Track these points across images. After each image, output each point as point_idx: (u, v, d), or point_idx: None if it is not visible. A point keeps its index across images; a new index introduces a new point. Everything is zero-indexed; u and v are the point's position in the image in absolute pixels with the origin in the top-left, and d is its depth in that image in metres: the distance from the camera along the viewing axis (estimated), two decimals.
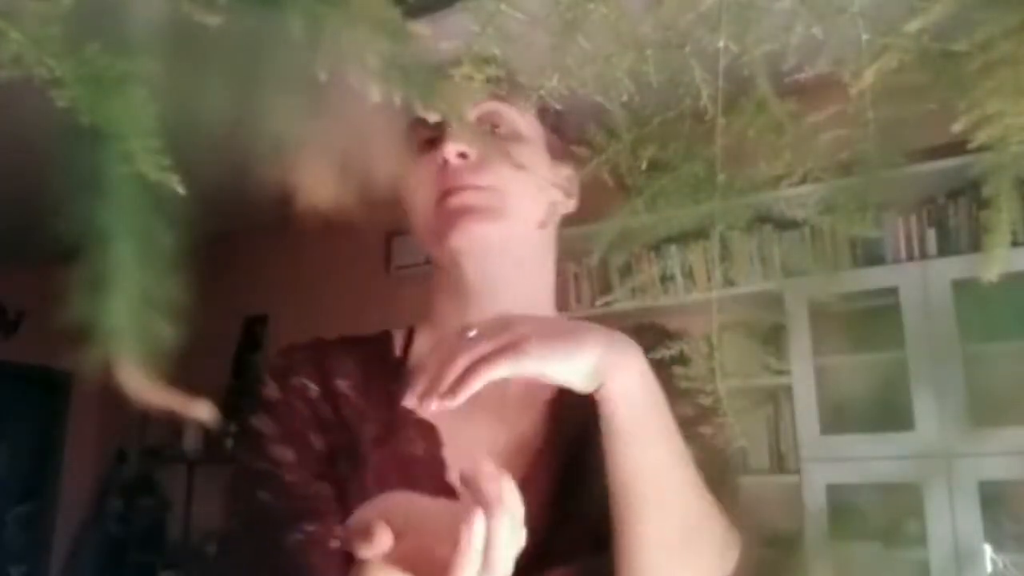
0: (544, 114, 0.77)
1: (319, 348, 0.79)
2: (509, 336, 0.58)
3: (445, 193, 0.72)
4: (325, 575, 0.66)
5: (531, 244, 0.77)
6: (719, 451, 0.71)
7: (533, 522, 0.66)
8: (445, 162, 0.72)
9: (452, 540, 0.44)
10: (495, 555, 0.44)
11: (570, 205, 0.80)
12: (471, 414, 0.61)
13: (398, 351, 0.80)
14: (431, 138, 0.74)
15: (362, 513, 0.49)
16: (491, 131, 0.74)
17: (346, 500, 0.69)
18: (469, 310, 0.75)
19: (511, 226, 0.73)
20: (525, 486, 0.66)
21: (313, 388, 0.75)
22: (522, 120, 0.76)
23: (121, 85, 0.26)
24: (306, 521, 0.68)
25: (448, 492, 0.69)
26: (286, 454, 0.71)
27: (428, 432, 0.73)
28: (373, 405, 0.75)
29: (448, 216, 0.72)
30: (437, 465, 0.71)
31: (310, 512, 0.68)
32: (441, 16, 0.79)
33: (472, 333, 0.59)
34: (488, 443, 0.72)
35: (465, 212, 0.71)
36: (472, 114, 0.73)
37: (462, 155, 0.72)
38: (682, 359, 0.74)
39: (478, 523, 0.44)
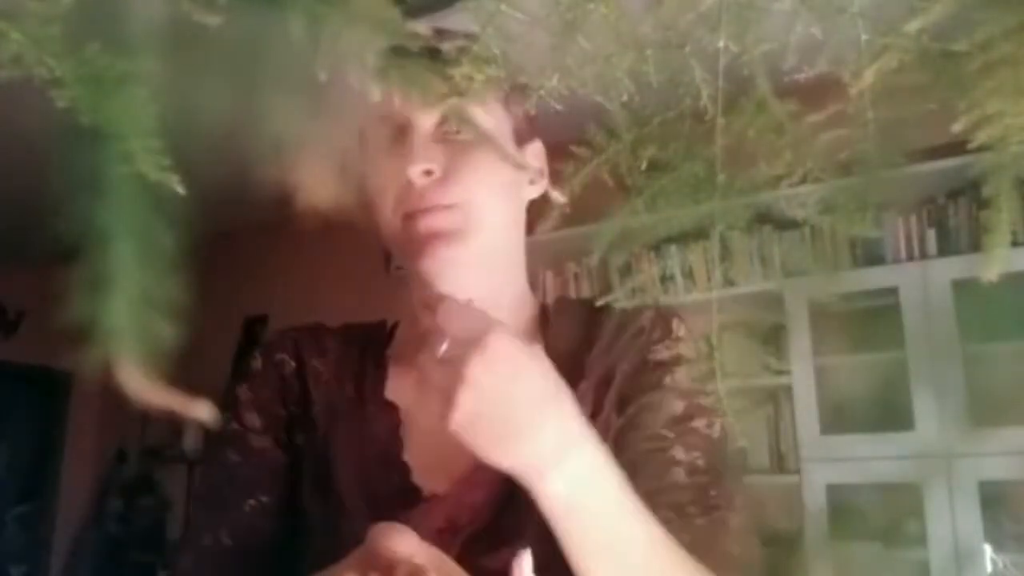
0: (508, 97, 0.74)
1: (309, 330, 0.85)
2: (447, 396, 0.56)
3: (412, 215, 0.70)
4: (272, 542, 0.75)
5: (502, 252, 0.76)
6: (715, 441, 0.71)
7: (487, 503, 0.68)
8: (411, 182, 0.69)
9: None
10: None
11: (540, 188, 0.78)
12: (431, 396, 0.62)
13: (384, 339, 0.84)
14: (394, 136, 0.72)
15: (404, 546, 0.49)
16: (455, 133, 0.70)
17: (300, 469, 0.77)
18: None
19: (481, 243, 0.71)
20: (481, 467, 0.67)
21: (290, 363, 0.81)
22: (486, 114, 0.73)
23: (121, 85, 0.26)
24: (261, 491, 0.76)
25: (401, 471, 0.72)
26: (255, 420, 0.79)
27: (391, 412, 0.76)
28: (343, 384, 0.79)
29: (417, 240, 0.70)
30: (395, 445, 0.74)
31: (267, 483, 0.76)
32: (441, 16, 0.78)
33: (443, 348, 0.58)
34: (450, 464, 0.72)
35: (433, 237, 0.70)
36: (433, 118, 0.70)
37: (427, 172, 0.69)
38: (681, 360, 0.74)
39: None
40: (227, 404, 0.80)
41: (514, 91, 0.69)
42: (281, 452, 0.78)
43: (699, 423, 0.70)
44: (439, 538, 0.67)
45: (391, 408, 0.76)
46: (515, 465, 0.56)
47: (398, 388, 0.78)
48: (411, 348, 0.79)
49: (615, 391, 0.72)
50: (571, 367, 0.70)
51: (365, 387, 0.79)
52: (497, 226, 0.74)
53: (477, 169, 0.71)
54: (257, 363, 0.82)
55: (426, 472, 0.72)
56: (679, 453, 0.69)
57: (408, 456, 0.73)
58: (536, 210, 0.80)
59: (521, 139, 0.77)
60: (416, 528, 0.66)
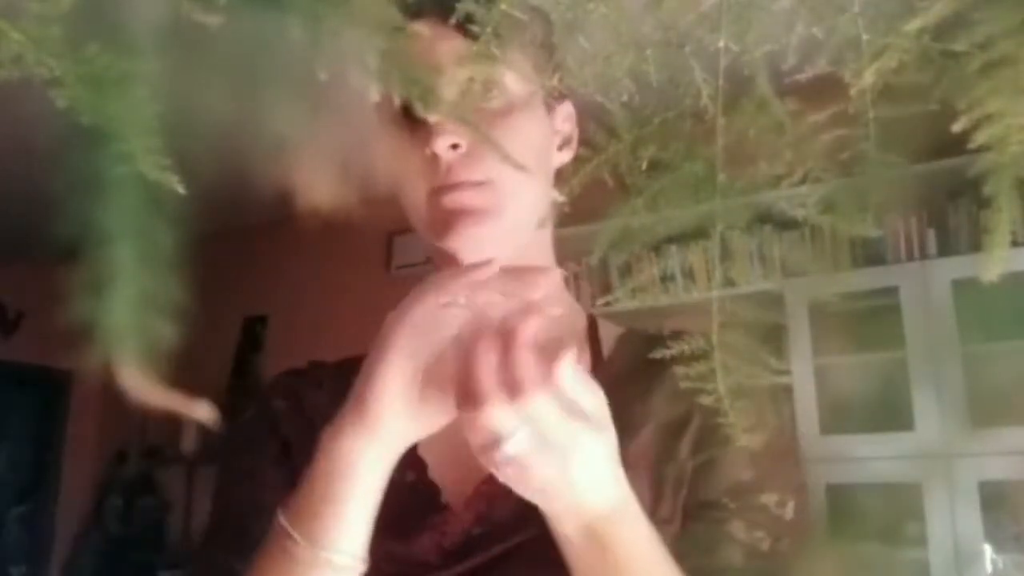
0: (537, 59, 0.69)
1: (302, 370, 0.82)
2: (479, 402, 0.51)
3: (438, 190, 0.67)
4: None
5: (530, 229, 0.72)
6: (785, 523, 0.65)
7: (514, 514, 0.66)
8: (436, 155, 0.65)
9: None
10: None
11: (570, 153, 0.75)
12: (452, 431, 0.58)
13: None
14: (417, 119, 0.68)
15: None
16: (484, 103, 0.66)
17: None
18: None
19: (510, 220, 0.68)
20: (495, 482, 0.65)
21: (282, 404, 0.78)
22: (514, 80, 0.68)
23: (121, 85, 0.26)
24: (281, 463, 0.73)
25: (418, 468, 0.69)
26: (262, 454, 0.76)
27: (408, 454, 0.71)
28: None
29: (443, 217, 0.67)
30: (429, 491, 0.70)
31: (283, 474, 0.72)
32: None
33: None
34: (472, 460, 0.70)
35: (461, 214, 0.66)
36: (456, 91, 0.67)
37: (454, 146, 0.65)
38: (684, 359, 0.72)
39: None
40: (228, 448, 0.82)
41: (543, 49, 0.65)
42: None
43: (769, 499, 0.64)
44: (466, 541, 0.66)
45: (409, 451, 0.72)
46: (554, 508, 0.53)
47: None
48: None
49: (691, 436, 0.67)
50: (633, 410, 0.67)
51: None
52: (526, 202, 0.70)
53: (505, 144, 0.68)
54: (250, 412, 0.79)
55: (443, 468, 0.69)
56: (739, 531, 0.63)
57: (424, 452, 0.70)
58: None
59: (550, 103, 0.74)
60: (443, 534, 0.63)
